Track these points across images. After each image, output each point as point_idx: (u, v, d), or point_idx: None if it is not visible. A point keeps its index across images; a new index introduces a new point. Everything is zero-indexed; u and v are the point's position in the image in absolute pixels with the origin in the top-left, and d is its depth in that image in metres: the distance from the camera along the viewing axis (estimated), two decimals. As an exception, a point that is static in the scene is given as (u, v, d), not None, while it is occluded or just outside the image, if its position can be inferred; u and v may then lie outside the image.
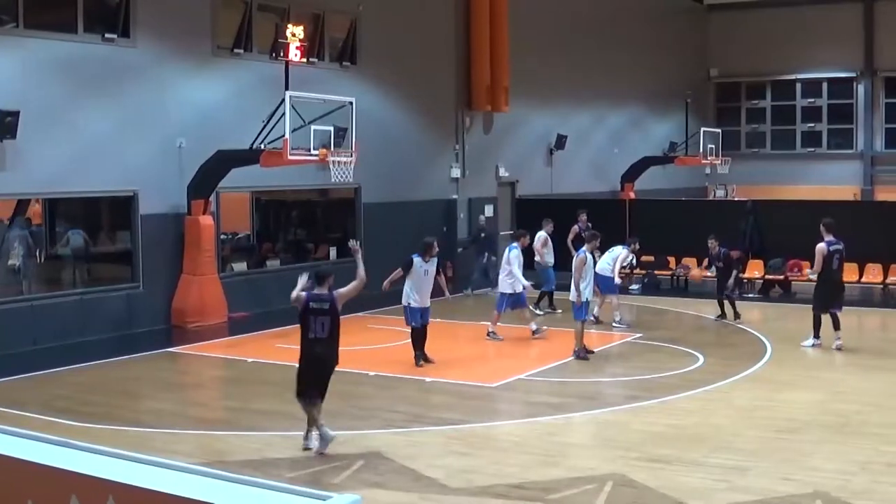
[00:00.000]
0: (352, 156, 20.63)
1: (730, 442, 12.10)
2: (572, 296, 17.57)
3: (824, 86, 42.48)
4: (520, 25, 30.62)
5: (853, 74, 41.68)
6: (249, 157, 20.32)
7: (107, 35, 20.16)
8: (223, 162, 20.93)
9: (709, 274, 21.93)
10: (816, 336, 18.21)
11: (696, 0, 43.25)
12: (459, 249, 25.81)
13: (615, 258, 20.82)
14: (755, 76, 43.22)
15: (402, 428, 12.97)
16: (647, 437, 12.39)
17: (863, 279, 24.87)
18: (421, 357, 16.89)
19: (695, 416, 13.43)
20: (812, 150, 42.32)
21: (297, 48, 20.63)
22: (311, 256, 25.46)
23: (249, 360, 17.46)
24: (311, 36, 23.86)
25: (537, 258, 22.48)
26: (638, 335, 19.71)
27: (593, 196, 32.96)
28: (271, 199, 25.55)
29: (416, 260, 16.87)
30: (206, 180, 21.15)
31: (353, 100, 20.87)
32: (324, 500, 4.47)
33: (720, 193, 40.36)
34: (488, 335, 19.34)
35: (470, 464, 11.29)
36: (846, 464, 11.12)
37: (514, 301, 19.51)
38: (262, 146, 20.01)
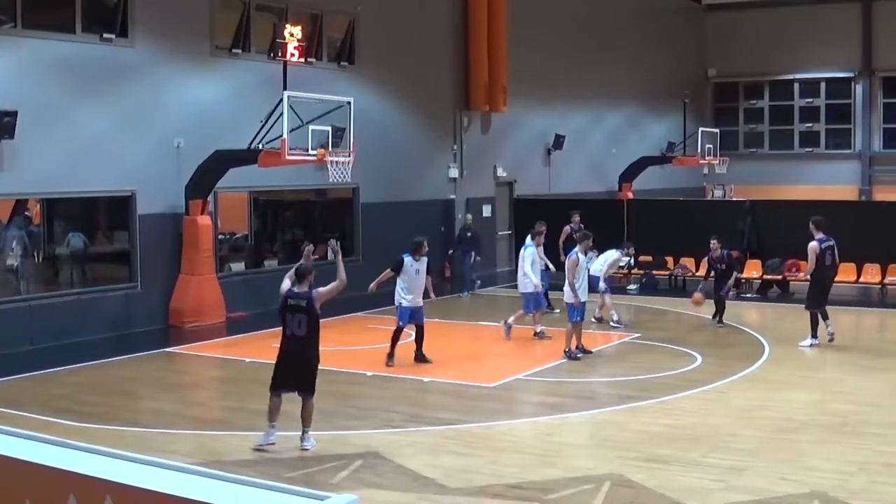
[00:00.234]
0: (350, 156, 20.62)
1: (727, 442, 12.10)
2: (567, 297, 17.55)
3: (822, 86, 42.51)
4: (518, 25, 30.63)
5: (851, 74, 41.71)
6: (247, 156, 20.32)
7: (105, 35, 20.16)
8: (221, 162, 20.93)
9: (711, 276, 21.83)
10: (814, 336, 18.24)
11: (695, 0, 43.25)
12: (450, 251, 25.62)
13: (606, 261, 20.79)
14: (753, 76, 43.24)
15: (399, 428, 12.97)
16: (644, 437, 12.39)
17: (861, 279, 24.90)
18: (394, 357, 16.82)
19: (692, 416, 13.44)
20: (810, 150, 42.34)
21: (295, 48, 20.64)
22: (312, 256, 25.38)
23: (247, 360, 17.45)
24: (310, 36, 23.85)
25: None
26: (636, 335, 19.71)
27: (591, 196, 32.98)
28: (269, 199, 25.54)
29: (407, 259, 16.86)
30: (203, 180, 21.14)
31: (351, 100, 20.87)
32: (321, 499, 4.47)
33: (718, 193, 40.38)
34: (535, 335, 19.10)
35: (468, 464, 11.30)
36: (844, 464, 11.13)
37: (537, 301, 19.45)
38: (260, 146, 20.01)
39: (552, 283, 21.19)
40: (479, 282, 26.21)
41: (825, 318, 18.34)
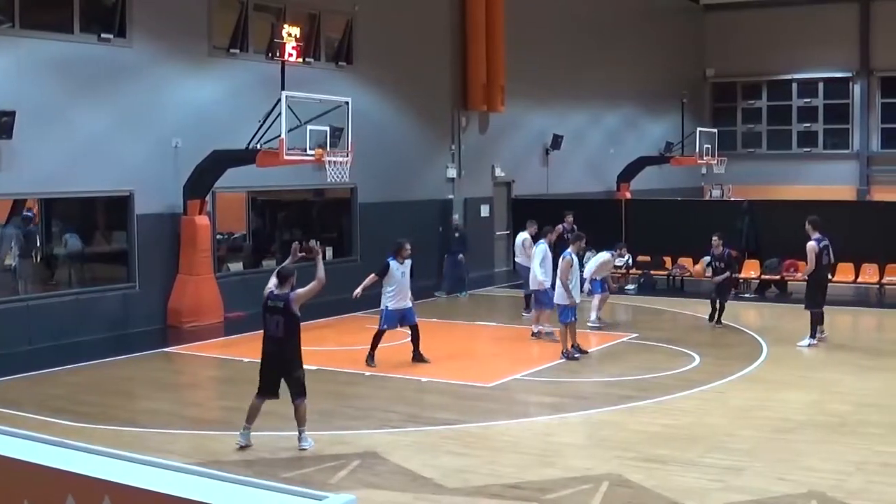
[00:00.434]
0: (348, 156, 20.62)
1: (725, 442, 12.11)
2: (559, 298, 17.52)
3: (820, 86, 42.52)
4: (516, 25, 30.62)
5: (849, 74, 41.73)
6: (245, 157, 20.31)
7: (103, 35, 20.15)
8: (219, 162, 20.92)
9: (708, 275, 21.80)
10: (812, 336, 18.27)
11: (693, 0, 43.26)
12: (445, 255, 25.46)
13: (597, 262, 20.67)
14: (751, 76, 43.26)
15: (397, 428, 12.97)
16: (642, 437, 12.40)
17: (859, 279, 24.92)
18: (374, 357, 16.78)
19: (690, 416, 13.45)
20: (808, 150, 42.36)
21: (293, 48, 20.63)
22: (307, 257, 25.38)
23: (245, 360, 17.39)
24: (307, 36, 23.86)
25: (518, 259, 22.38)
26: (634, 335, 19.71)
27: (589, 196, 33.00)
28: (267, 199, 25.53)
29: (393, 263, 16.81)
30: (202, 180, 21.14)
31: (349, 100, 20.87)
32: (319, 500, 4.47)
33: (716, 193, 40.37)
34: (533, 335, 19.11)
35: (466, 464, 11.30)
36: (842, 464, 11.14)
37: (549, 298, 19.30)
38: (259, 146, 20.00)
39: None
40: (444, 294, 25.60)
41: (822, 319, 18.38)
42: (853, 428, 12.73)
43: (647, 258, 27.40)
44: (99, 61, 20.07)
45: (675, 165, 36.67)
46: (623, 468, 11.01)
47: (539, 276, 19.07)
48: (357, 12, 25.89)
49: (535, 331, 19.24)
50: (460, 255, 25.66)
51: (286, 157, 19.57)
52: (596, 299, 20.68)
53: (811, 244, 18.25)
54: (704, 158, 35.45)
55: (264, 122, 19.85)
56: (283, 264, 12.58)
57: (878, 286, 24.93)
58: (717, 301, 20.64)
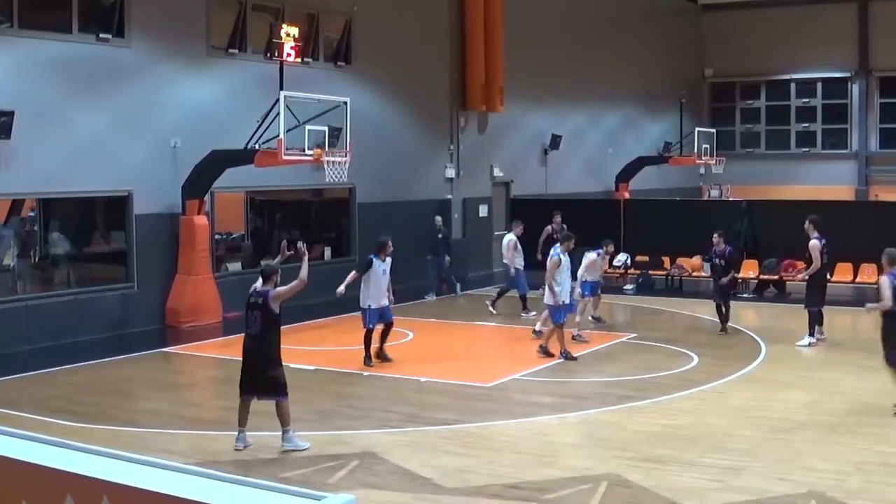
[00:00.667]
0: (346, 156, 20.61)
1: (724, 442, 12.11)
2: (547, 298, 17.45)
3: (819, 86, 42.52)
4: (515, 25, 30.62)
5: (848, 74, 41.73)
6: (244, 157, 20.30)
7: (101, 35, 20.14)
8: (218, 162, 20.92)
9: (705, 274, 21.73)
10: (811, 334, 18.27)
11: (691, 0, 43.27)
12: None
13: (584, 263, 20.35)
14: (750, 76, 43.26)
15: (396, 428, 12.96)
16: (641, 437, 12.39)
17: (857, 279, 24.91)
18: (371, 357, 16.75)
19: (689, 417, 13.45)
20: (807, 150, 42.36)
21: (291, 48, 20.64)
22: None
23: (244, 360, 17.42)
24: (306, 36, 23.86)
25: (505, 261, 22.39)
26: (632, 335, 19.71)
27: (588, 196, 33.01)
28: (266, 199, 25.53)
29: (375, 261, 16.75)
30: (200, 180, 21.13)
31: (347, 100, 20.86)
32: (318, 499, 4.47)
33: (715, 193, 40.33)
34: (573, 338, 18.84)
35: (465, 464, 11.29)
36: (841, 464, 11.14)
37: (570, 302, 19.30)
38: (257, 146, 20.00)
39: (534, 283, 21.18)
40: (434, 296, 25.25)
41: (821, 320, 18.37)
42: (852, 428, 12.73)
43: (646, 258, 27.39)
44: (98, 61, 20.06)
45: (674, 165, 36.68)
46: (622, 468, 11.01)
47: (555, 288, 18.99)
48: (356, 12, 25.88)
49: (538, 329, 19.17)
50: (446, 257, 25.35)
51: (285, 157, 19.57)
52: (585, 302, 20.34)
53: (815, 242, 18.27)
54: (703, 158, 35.45)
55: (263, 122, 19.85)
56: (267, 261, 12.55)
57: (876, 286, 24.87)
58: (722, 305, 19.91)
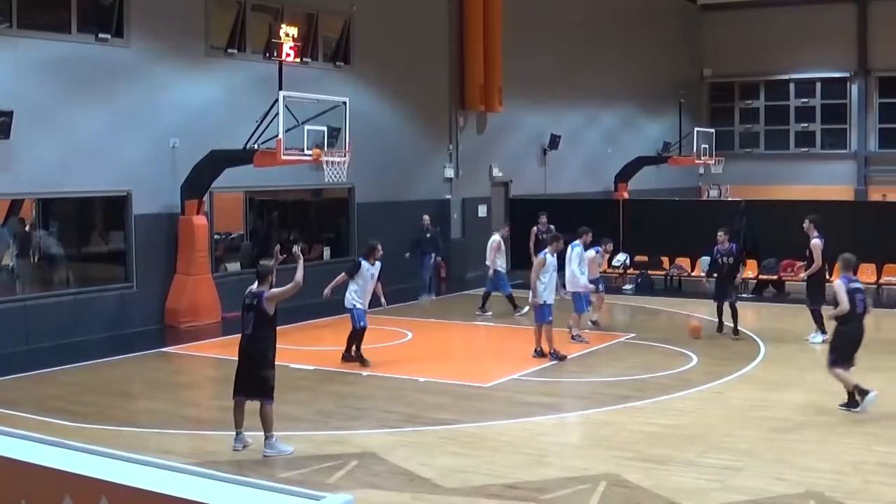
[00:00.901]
0: (345, 156, 20.62)
1: (723, 442, 12.12)
2: (531, 298, 17.42)
3: (818, 86, 42.52)
4: (513, 25, 30.62)
5: (847, 74, 41.74)
6: (243, 157, 20.31)
7: (100, 35, 20.14)
8: (217, 162, 20.91)
9: (703, 274, 21.67)
10: (823, 331, 18.31)
11: (690, 0, 43.27)
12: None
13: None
14: (749, 76, 43.27)
15: (395, 428, 12.97)
16: (640, 437, 12.40)
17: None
18: (353, 356, 16.75)
19: (688, 416, 13.45)
20: (806, 150, 42.36)
21: (290, 48, 20.62)
22: (305, 257, 25.38)
23: (243, 360, 17.43)
24: (305, 36, 23.86)
25: (487, 262, 22.40)
26: (631, 335, 19.71)
27: (587, 196, 33.02)
28: (265, 199, 25.52)
29: (364, 264, 16.73)
30: (199, 180, 21.13)
31: (346, 100, 20.87)
32: (317, 499, 4.47)
33: (714, 193, 40.39)
34: (573, 339, 18.85)
35: (463, 464, 11.30)
36: (839, 464, 11.15)
37: (585, 299, 19.25)
38: (256, 146, 20.00)
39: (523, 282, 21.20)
40: (433, 295, 25.18)
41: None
42: (851, 428, 12.74)
43: (645, 258, 27.40)
44: (96, 61, 20.06)
45: (673, 165, 36.69)
46: (621, 468, 11.01)
47: (582, 278, 19.01)
48: (355, 12, 25.89)
49: (575, 334, 19.11)
50: (437, 257, 25.16)
51: (284, 157, 19.58)
52: (600, 297, 20.34)
53: (817, 241, 18.29)
54: (702, 158, 35.45)
55: (262, 122, 19.85)
56: (263, 262, 12.53)
57: (875, 286, 24.94)
58: (730, 306, 19.44)
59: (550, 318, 17.27)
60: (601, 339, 19.28)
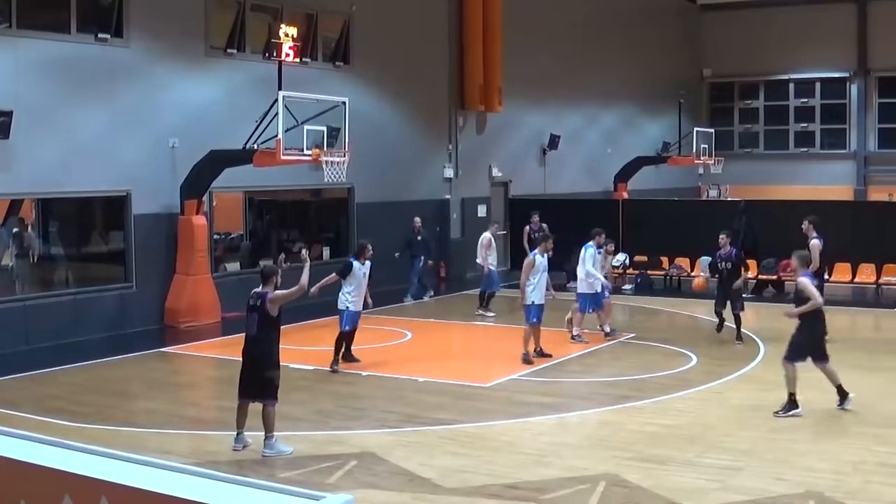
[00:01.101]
0: (345, 156, 20.62)
1: (723, 442, 12.12)
2: (524, 299, 17.33)
3: (817, 86, 42.52)
4: (513, 25, 30.62)
5: (846, 74, 41.74)
6: (242, 157, 20.30)
7: (100, 35, 20.13)
8: (216, 162, 20.91)
9: (705, 274, 21.63)
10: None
11: (690, 0, 43.28)
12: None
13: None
14: (748, 76, 43.27)
15: (395, 428, 12.97)
16: (640, 436, 12.40)
17: (856, 279, 24.94)
18: (340, 361, 16.52)
19: (688, 416, 13.45)
20: (805, 150, 42.36)
21: (290, 48, 20.63)
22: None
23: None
24: (304, 36, 23.87)
25: (479, 260, 22.39)
26: (631, 335, 19.70)
27: (587, 196, 33.02)
28: (265, 199, 25.52)
29: (356, 264, 16.57)
30: (199, 180, 21.13)
31: (346, 100, 20.87)
32: (317, 499, 4.47)
33: (713, 193, 40.38)
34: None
35: (463, 464, 11.30)
36: (839, 464, 11.15)
37: (595, 302, 19.14)
38: (256, 146, 20.00)
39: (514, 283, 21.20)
40: (432, 291, 25.30)
41: None
42: (851, 428, 12.75)
43: (644, 258, 27.40)
44: (96, 61, 20.05)
45: (673, 165, 36.69)
46: (620, 468, 11.01)
47: (602, 278, 19.02)
48: (354, 12, 25.89)
49: (607, 331, 19.21)
50: (427, 260, 24.96)
51: (283, 157, 19.57)
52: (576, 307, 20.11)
53: (816, 242, 18.30)
54: (701, 158, 35.46)
55: (261, 122, 19.85)
56: (266, 264, 12.51)
57: (875, 286, 24.95)
58: (734, 308, 19.00)
59: (534, 319, 17.16)
60: (601, 339, 19.24)
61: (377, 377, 16.04)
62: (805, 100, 42.57)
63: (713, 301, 19.84)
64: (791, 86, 42.86)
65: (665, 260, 27.41)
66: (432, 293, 24.83)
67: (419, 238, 24.75)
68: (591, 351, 18.18)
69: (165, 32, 21.33)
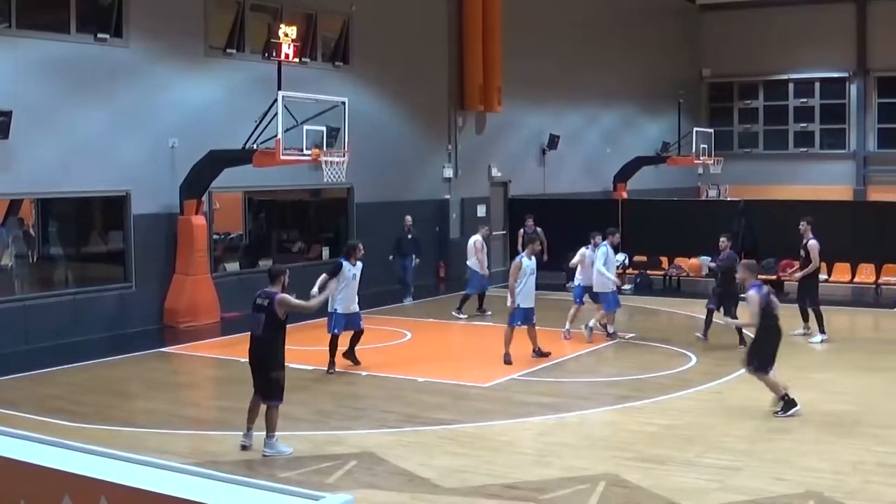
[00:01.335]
0: (344, 156, 20.62)
1: (722, 442, 12.12)
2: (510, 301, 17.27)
3: (817, 86, 42.53)
4: (513, 25, 30.62)
5: (845, 74, 41.74)
6: (242, 157, 20.30)
7: (99, 35, 20.13)
8: (216, 162, 20.91)
9: (703, 275, 21.66)
10: (823, 331, 18.34)
11: (689, 0, 43.28)
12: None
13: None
14: (748, 76, 43.28)
15: (394, 428, 12.96)
16: (639, 436, 12.40)
17: (855, 279, 24.94)
18: (335, 364, 16.36)
19: (687, 416, 13.45)
20: (804, 150, 42.36)
21: (289, 48, 20.62)
22: (304, 256, 25.46)
23: (242, 360, 17.25)
24: (304, 36, 23.86)
25: (469, 262, 22.37)
26: (630, 335, 19.70)
27: (586, 196, 33.02)
28: (264, 199, 25.52)
29: (345, 264, 16.37)
30: (198, 180, 21.13)
31: (345, 100, 20.87)
32: (316, 499, 4.47)
33: (713, 193, 40.41)
34: (610, 336, 19.02)
35: (463, 464, 11.29)
36: (839, 464, 11.14)
37: (615, 299, 19.26)
38: (255, 146, 19.99)
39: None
40: (411, 298, 24.57)
41: (807, 319, 18.50)
42: (850, 428, 12.74)
43: (644, 258, 27.40)
44: (95, 61, 20.05)
45: (672, 165, 36.70)
46: (620, 468, 11.01)
47: (611, 276, 19.10)
48: (353, 12, 25.89)
49: (611, 331, 19.27)
50: (415, 259, 24.63)
51: (283, 157, 19.57)
52: (574, 309, 20.02)
53: (814, 243, 18.32)
54: (701, 158, 35.47)
55: (261, 122, 19.85)
56: (275, 265, 12.49)
57: (874, 286, 24.96)
58: (726, 312, 18.76)
59: (517, 322, 17.09)
60: (600, 339, 19.23)
61: (377, 377, 16.04)
62: (804, 100, 42.57)
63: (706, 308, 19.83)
64: (790, 86, 42.86)
65: (664, 260, 27.41)
66: (411, 299, 24.52)
67: (410, 237, 24.59)
68: (591, 351, 18.18)
69: (165, 32, 21.33)
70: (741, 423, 13.06)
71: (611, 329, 19.26)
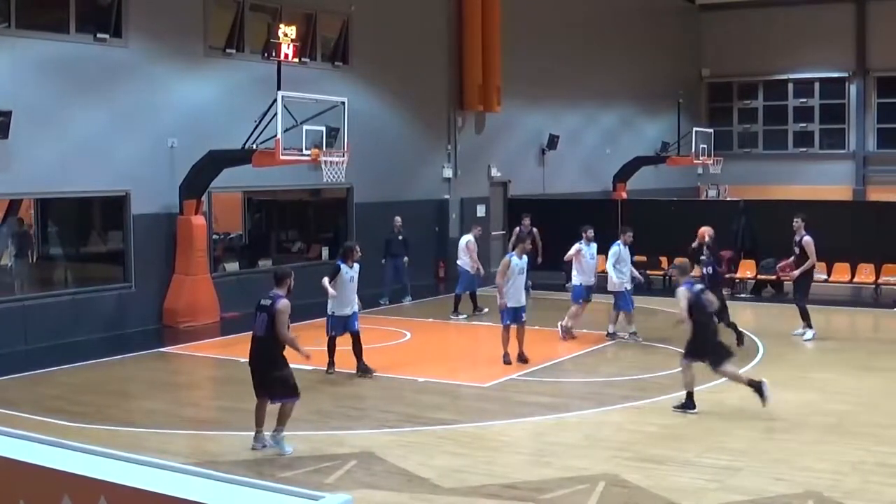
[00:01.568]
0: (344, 156, 20.62)
1: (722, 442, 12.12)
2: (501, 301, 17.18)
3: (816, 86, 42.51)
4: (512, 25, 30.62)
5: (845, 74, 41.73)
6: (241, 157, 20.30)
7: (99, 35, 20.13)
8: (215, 162, 20.91)
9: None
10: (811, 326, 18.36)
11: (689, 0, 43.27)
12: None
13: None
14: (747, 76, 43.26)
15: (394, 428, 12.97)
16: (639, 436, 12.40)
17: (855, 279, 24.93)
18: (334, 364, 16.25)
19: (687, 416, 13.44)
20: (804, 150, 42.35)
21: (289, 48, 20.62)
22: (303, 256, 25.46)
23: (242, 360, 17.26)
24: (303, 36, 23.86)
25: (460, 262, 22.37)
26: (630, 335, 19.68)
27: (586, 196, 33.00)
28: (264, 199, 25.52)
29: (342, 267, 16.24)
30: (198, 180, 21.13)
31: (345, 100, 20.87)
32: (316, 499, 4.46)
33: (712, 193, 40.39)
34: (629, 336, 19.02)
35: (462, 464, 11.30)
36: (838, 464, 11.15)
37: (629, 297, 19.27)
38: (254, 146, 20.00)
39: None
40: (388, 299, 24.20)
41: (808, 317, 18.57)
42: (849, 428, 12.74)
43: (644, 258, 27.35)
44: (95, 61, 20.05)
45: (672, 165, 36.70)
46: (619, 468, 11.01)
47: (615, 277, 19.04)
48: (353, 12, 25.88)
49: (611, 331, 19.25)
50: (405, 259, 24.36)
51: (282, 158, 19.57)
52: (575, 308, 19.71)
53: (809, 239, 18.33)
54: (701, 158, 35.48)
55: (260, 122, 19.85)
56: (281, 268, 12.45)
57: (874, 286, 24.95)
58: (731, 326, 18.42)
59: (508, 321, 17.01)
60: (599, 339, 19.24)
61: (376, 377, 16.02)
62: (804, 100, 42.56)
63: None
64: (790, 86, 42.85)
65: (664, 260, 27.38)
66: (387, 301, 24.36)
67: (399, 238, 24.36)
68: (591, 351, 18.18)
69: (164, 32, 21.33)
70: (740, 423, 13.07)
71: (633, 328, 19.20)
